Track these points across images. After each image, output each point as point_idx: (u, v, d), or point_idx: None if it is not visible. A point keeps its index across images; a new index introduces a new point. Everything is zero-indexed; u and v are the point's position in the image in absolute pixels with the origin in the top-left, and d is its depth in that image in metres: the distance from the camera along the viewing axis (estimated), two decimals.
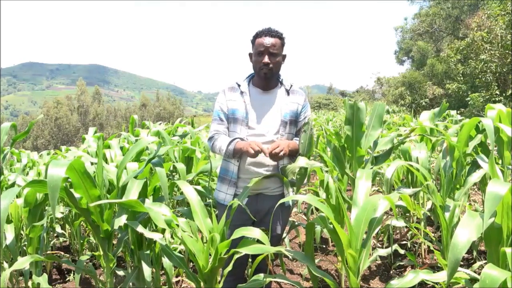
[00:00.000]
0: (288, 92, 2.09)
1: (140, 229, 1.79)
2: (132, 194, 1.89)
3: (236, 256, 1.68)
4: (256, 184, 1.97)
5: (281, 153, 1.88)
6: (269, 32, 1.98)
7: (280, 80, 2.12)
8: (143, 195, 2.04)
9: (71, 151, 3.80)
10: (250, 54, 2.08)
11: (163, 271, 2.53)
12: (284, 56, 2.06)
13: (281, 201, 1.74)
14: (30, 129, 2.82)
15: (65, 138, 36.00)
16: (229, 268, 1.71)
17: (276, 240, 2.09)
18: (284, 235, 3.09)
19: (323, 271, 1.73)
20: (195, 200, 1.86)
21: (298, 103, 2.08)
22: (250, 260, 2.26)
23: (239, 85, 2.08)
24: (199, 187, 2.74)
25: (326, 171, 2.25)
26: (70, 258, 3.37)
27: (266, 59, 1.95)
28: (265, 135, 2.01)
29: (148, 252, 2.08)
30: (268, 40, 1.95)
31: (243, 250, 1.64)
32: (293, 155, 2.04)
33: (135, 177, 1.99)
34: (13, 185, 2.75)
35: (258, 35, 2.00)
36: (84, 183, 1.83)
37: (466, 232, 1.30)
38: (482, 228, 1.31)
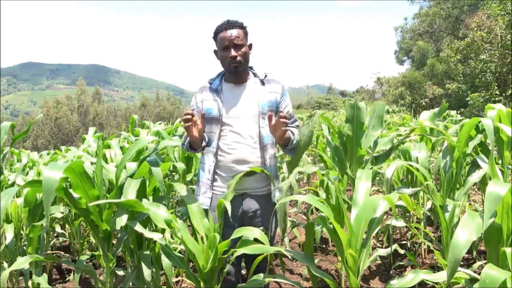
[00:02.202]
0: (262, 82, 2.00)
1: (139, 228, 1.79)
2: (130, 193, 1.88)
3: (234, 256, 1.69)
4: (240, 183, 1.87)
5: (282, 127, 1.80)
6: (229, 25, 1.91)
7: (253, 71, 2.04)
8: (142, 195, 2.03)
9: (71, 151, 3.80)
10: (215, 51, 1.99)
11: (163, 271, 2.53)
12: (250, 46, 1.98)
13: (282, 201, 1.72)
14: (29, 128, 2.82)
15: (65, 138, 36.00)
16: (226, 269, 1.70)
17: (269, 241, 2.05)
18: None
19: (323, 271, 1.73)
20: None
21: (276, 91, 1.99)
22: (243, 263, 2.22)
23: (210, 83, 2.02)
24: None
25: (323, 174, 2.23)
26: (70, 258, 3.37)
27: (232, 52, 1.88)
28: (244, 130, 1.93)
29: (147, 252, 2.08)
30: (230, 33, 1.88)
31: (243, 250, 1.64)
32: (286, 144, 1.94)
33: (132, 177, 1.98)
34: (13, 184, 2.75)
35: (219, 30, 1.92)
36: (83, 184, 1.82)
37: (466, 232, 1.30)
38: (482, 228, 1.30)
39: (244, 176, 1.89)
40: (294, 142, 1.93)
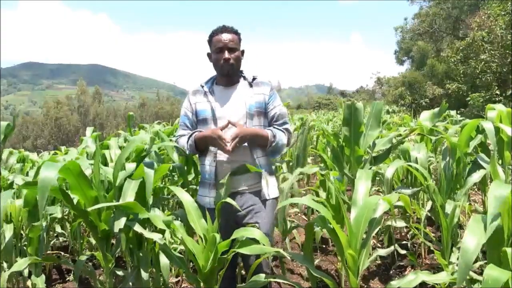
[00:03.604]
0: (251, 84, 2.07)
1: (138, 229, 1.79)
2: (129, 194, 1.88)
3: (231, 257, 1.68)
4: (230, 183, 1.92)
5: (237, 143, 1.86)
6: (224, 29, 2.00)
7: (242, 74, 2.11)
8: (142, 195, 2.03)
9: (70, 152, 3.79)
10: (208, 54, 2.08)
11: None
12: (242, 52, 2.07)
13: (282, 204, 1.73)
14: (15, 124, 2.80)
15: (65, 138, 36.03)
16: (224, 268, 1.70)
17: None
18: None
19: (323, 272, 1.73)
20: (189, 202, 1.86)
21: (264, 93, 2.05)
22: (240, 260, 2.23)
23: (202, 87, 2.09)
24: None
25: (323, 175, 2.24)
26: (70, 258, 3.37)
27: (226, 54, 1.96)
28: (233, 130, 1.96)
29: (146, 254, 2.07)
30: (225, 36, 1.97)
31: (243, 251, 1.64)
32: (264, 144, 1.98)
33: (130, 177, 1.98)
34: (11, 184, 2.74)
35: (214, 33, 2.01)
36: (81, 184, 1.82)
37: (475, 236, 1.29)
38: (488, 231, 1.30)
39: (233, 176, 1.94)
40: (274, 144, 1.98)
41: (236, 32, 2.02)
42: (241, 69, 2.10)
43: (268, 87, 2.08)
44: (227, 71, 1.99)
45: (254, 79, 2.09)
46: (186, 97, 2.13)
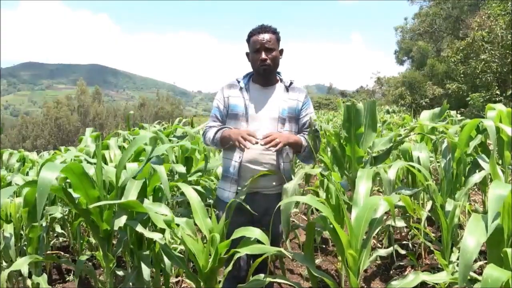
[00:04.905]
0: (287, 88, 2.08)
1: (139, 228, 1.79)
2: (132, 194, 1.88)
3: (236, 256, 1.68)
4: (253, 182, 1.95)
5: (277, 147, 1.87)
6: (263, 29, 2.01)
7: (280, 77, 2.12)
8: (142, 195, 2.03)
9: (70, 151, 3.79)
10: (247, 54, 2.09)
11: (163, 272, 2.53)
12: (281, 51, 2.07)
13: (281, 203, 1.74)
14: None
15: (65, 138, 36.03)
16: (229, 268, 1.70)
17: (276, 240, 2.08)
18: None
19: (323, 271, 1.73)
20: (195, 200, 1.86)
21: (298, 100, 2.08)
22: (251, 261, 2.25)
23: (238, 82, 2.10)
24: (199, 187, 2.73)
25: (324, 176, 2.23)
26: (70, 258, 3.36)
27: (263, 55, 1.97)
28: (261, 131, 1.99)
29: (147, 252, 2.07)
30: (262, 36, 1.98)
31: (243, 250, 1.64)
32: (297, 150, 2.04)
33: (134, 177, 1.98)
34: (10, 184, 2.74)
35: (252, 33, 2.02)
36: (83, 184, 1.82)
37: (474, 235, 1.28)
38: (487, 231, 1.30)
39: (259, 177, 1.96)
40: (308, 150, 2.04)
41: (274, 32, 2.02)
42: (279, 70, 2.11)
43: (303, 93, 2.11)
44: (265, 70, 2.00)
45: (291, 83, 2.10)
46: (220, 89, 2.13)
